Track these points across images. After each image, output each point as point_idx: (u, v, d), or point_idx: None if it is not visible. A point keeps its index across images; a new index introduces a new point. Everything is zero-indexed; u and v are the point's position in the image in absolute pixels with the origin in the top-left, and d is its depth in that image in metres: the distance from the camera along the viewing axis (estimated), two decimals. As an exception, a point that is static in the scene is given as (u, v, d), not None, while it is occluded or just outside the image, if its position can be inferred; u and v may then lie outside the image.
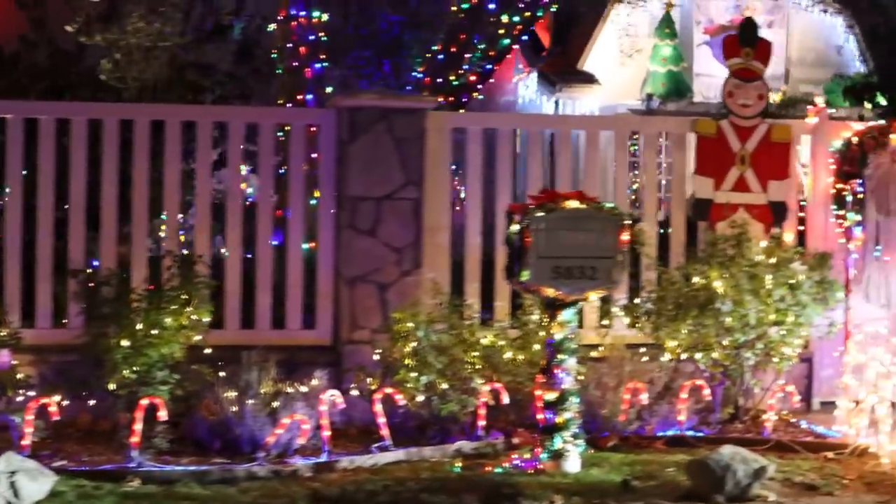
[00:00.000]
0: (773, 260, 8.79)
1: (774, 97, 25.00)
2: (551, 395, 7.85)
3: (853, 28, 22.30)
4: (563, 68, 26.67)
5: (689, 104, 27.11)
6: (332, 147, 9.05)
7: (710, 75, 28.59)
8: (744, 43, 9.69)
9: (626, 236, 7.83)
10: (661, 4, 24.03)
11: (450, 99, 10.76)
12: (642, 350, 8.94)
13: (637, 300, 9.04)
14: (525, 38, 11.27)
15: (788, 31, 25.55)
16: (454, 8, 10.57)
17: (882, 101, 21.31)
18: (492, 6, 10.47)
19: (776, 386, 8.86)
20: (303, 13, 9.99)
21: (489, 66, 10.93)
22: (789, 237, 9.71)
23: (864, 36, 21.13)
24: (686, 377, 8.86)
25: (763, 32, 26.26)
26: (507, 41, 10.88)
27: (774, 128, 9.71)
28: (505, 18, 10.79)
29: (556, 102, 27.01)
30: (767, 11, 28.53)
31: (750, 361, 8.74)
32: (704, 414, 8.91)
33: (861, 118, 19.40)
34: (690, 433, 8.63)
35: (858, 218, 8.95)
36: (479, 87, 10.97)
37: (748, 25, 9.86)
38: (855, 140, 9.64)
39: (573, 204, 7.80)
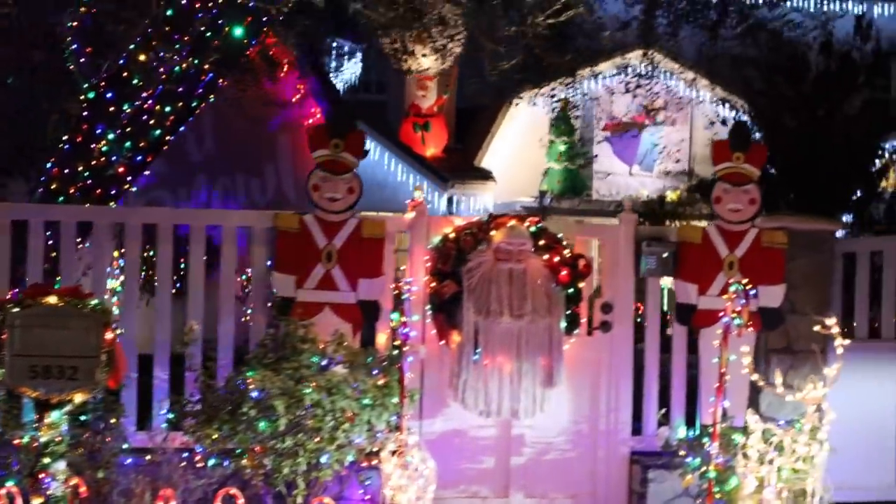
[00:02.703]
0: (324, 362, 8.55)
1: (672, 195, 25.12)
2: (37, 501, 7.68)
3: (755, 125, 22.32)
4: (460, 165, 26.89)
5: (585, 201, 27.28)
6: None
7: (612, 172, 28.77)
8: (333, 134, 9.51)
9: (110, 335, 7.68)
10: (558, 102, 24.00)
11: (97, 191, 10.63)
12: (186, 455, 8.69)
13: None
14: (182, 128, 11.13)
15: (692, 127, 25.62)
16: (81, 97, 10.48)
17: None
18: (109, 95, 10.34)
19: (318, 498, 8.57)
20: None
21: (140, 158, 10.79)
22: (382, 339, 9.47)
23: (766, 133, 21.18)
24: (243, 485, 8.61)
25: (666, 129, 26.40)
26: (158, 132, 10.75)
27: (366, 223, 9.53)
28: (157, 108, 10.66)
29: (450, 199, 27.12)
30: (670, 108, 28.72)
31: (287, 470, 8.45)
32: (255, 525, 8.66)
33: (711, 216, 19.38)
34: (233, 545, 8.38)
35: (405, 319, 8.67)
36: (130, 178, 10.84)
37: (338, 114, 9.67)
38: (452, 237, 9.46)
39: (52, 300, 7.66)
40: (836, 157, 20.23)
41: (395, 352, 9.13)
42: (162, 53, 9.97)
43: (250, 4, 10.79)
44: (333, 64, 21.57)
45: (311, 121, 20.57)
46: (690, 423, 9.94)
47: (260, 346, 8.83)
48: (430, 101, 25.35)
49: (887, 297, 10.67)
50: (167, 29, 10.18)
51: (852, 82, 20.82)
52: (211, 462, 8.54)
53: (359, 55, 21.19)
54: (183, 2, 10.15)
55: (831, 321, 8.68)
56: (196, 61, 10.79)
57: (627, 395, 9.87)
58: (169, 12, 10.23)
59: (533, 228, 9.54)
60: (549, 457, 9.79)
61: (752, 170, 9.96)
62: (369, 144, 25.67)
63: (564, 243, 9.58)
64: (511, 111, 26.12)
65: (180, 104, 10.95)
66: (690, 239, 9.91)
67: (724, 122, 20.85)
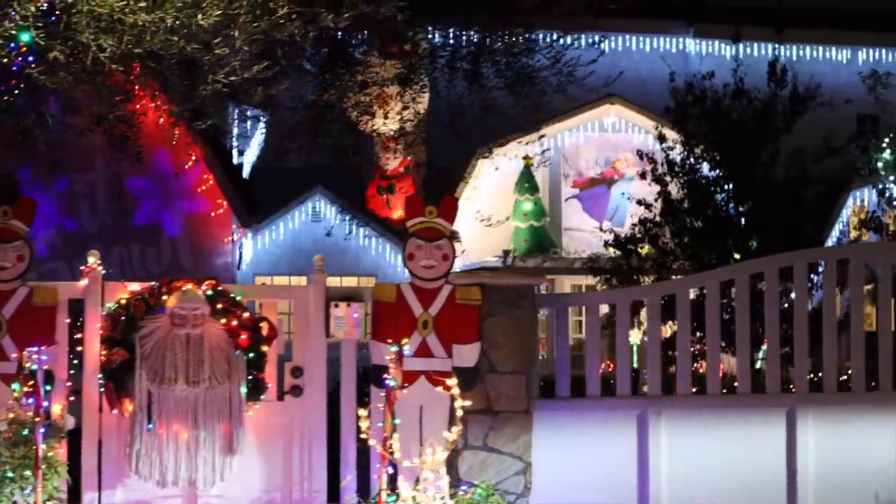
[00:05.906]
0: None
1: (643, 250, 24.73)
2: None
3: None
4: (426, 225, 26.71)
5: (552, 259, 27.12)
6: None
7: (580, 229, 28.62)
8: (1, 202, 9.60)
9: None
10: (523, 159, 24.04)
11: None
12: None
13: None
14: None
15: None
16: None
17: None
18: None
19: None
20: None
21: None
22: (57, 409, 9.45)
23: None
24: None
25: (636, 184, 26.31)
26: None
27: (37, 291, 9.66)
28: None
29: (412, 260, 26.97)
30: (639, 164, 28.56)
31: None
32: None
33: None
34: None
35: (28, 390, 8.70)
36: None
37: (4, 181, 9.73)
38: (123, 302, 9.45)
39: None
40: (759, 206, 19.96)
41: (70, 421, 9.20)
42: None
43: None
44: (236, 130, 21.74)
45: (203, 187, 20.77)
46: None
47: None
48: (395, 163, 25.39)
49: (621, 353, 10.47)
50: None
51: (769, 129, 20.54)
52: None
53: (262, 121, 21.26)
54: None
55: (452, 382, 8.55)
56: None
57: (321, 461, 9.81)
58: None
59: (210, 292, 9.52)
60: (239, 527, 9.72)
61: (444, 224, 9.91)
62: (329, 210, 25.93)
63: (244, 307, 9.56)
64: (477, 170, 26.20)
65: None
66: (384, 298, 9.85)
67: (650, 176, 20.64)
